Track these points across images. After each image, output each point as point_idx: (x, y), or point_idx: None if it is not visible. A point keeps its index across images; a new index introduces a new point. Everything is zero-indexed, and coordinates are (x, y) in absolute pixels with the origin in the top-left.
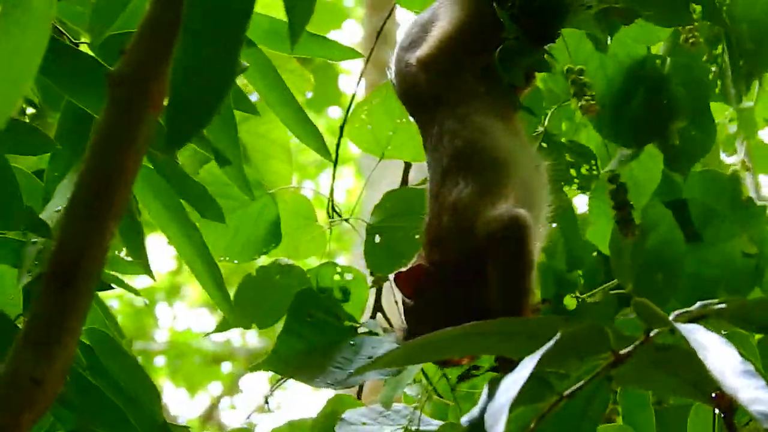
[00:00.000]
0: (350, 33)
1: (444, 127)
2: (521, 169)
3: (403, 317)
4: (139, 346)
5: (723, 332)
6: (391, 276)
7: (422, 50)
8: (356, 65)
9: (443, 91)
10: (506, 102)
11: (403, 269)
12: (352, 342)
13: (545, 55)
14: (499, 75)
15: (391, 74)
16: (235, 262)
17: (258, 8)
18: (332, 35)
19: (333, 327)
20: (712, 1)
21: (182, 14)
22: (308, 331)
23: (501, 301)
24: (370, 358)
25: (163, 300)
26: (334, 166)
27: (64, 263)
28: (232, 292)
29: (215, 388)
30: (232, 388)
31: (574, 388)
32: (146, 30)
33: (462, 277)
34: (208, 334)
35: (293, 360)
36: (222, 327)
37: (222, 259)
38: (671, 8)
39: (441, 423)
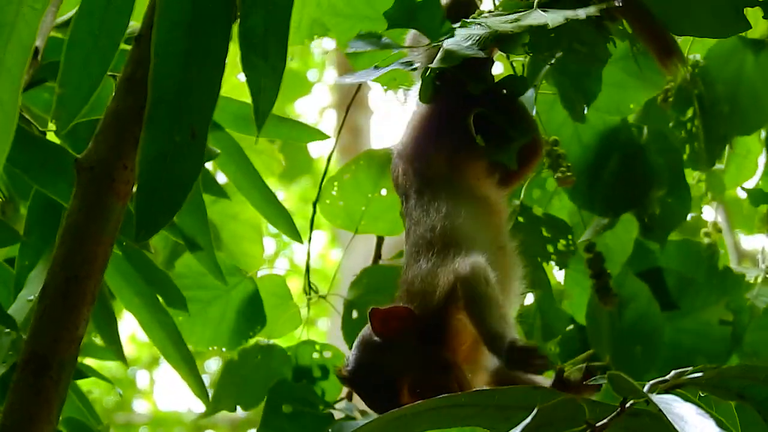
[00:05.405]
0: (319, 97)
1: (412, 218)
2: (480, 246)
3: (353, 350)
4: (121, 418)
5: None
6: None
7: (398, 144)
8: (329, 127)
9: (414, 177)
10: (478, 182)
11: (381, 307)
12: (330, 430)
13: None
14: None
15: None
16: (224, 350)
17: (224, 92)
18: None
19: (310, 416)
20: None
21: (146, 103)
22: (286, 424)
23: (482, 334)
24: None
25: (145, 367)
26: (308, 249)
27: (39, 353)
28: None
29: None
30: None
31: None
32: (112, 118)
33: (426, 331)
34: (197, 419)
35: None
36: (208, 413)
37: (211, 348)
38: (721, 17)
39: None
